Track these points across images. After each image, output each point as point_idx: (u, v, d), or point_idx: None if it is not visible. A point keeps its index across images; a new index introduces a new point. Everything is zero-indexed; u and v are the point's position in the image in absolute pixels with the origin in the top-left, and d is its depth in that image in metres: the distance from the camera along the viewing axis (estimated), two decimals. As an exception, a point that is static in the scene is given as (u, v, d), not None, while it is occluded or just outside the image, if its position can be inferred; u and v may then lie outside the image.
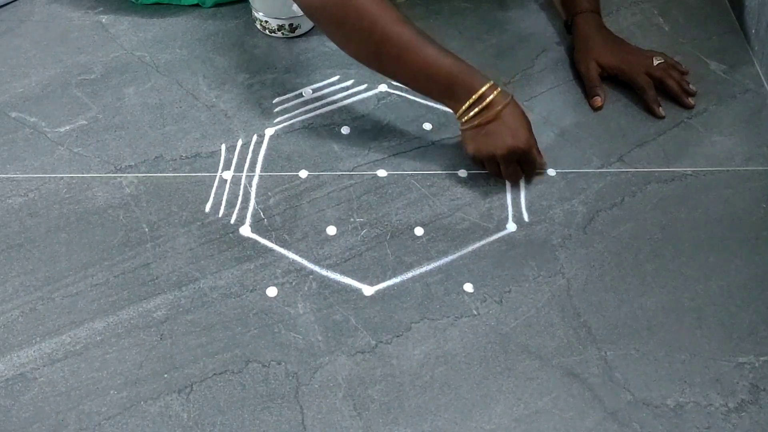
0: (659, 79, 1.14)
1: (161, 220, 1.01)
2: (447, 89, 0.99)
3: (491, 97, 0.98)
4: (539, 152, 1.04)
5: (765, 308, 0.93)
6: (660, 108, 1.13)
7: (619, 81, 1.16)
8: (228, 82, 1.19)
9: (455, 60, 0.98)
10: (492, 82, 0.99)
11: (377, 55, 0.99)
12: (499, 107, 0.98)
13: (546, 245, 0.99)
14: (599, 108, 1.15)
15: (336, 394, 0.86)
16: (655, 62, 1.15)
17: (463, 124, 1.01)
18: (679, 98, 1.14)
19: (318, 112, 1.15)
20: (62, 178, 1.06)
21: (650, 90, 1.14)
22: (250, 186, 1.05)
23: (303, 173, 1.07)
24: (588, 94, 1.16)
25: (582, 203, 1.03)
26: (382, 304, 0.94)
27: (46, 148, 1.10)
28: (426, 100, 1.16)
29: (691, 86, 1.16)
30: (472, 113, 0.99)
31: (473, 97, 0.98)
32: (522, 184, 1.05)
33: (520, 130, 1.00)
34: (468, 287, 0.95)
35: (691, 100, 1.14)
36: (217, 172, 1.07)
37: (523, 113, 1.01)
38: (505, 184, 1.05)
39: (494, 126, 0.99)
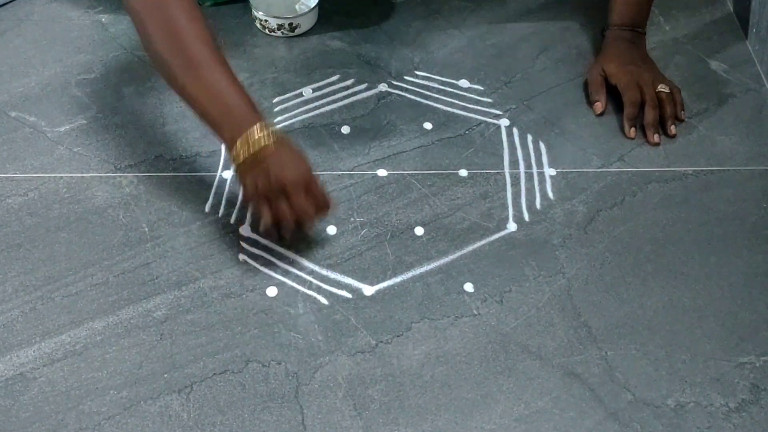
0: (644, 102, 1.11)
1: (161, 219, 1.01)
2: (223, 120, 0.91)
3: (261, 134, 0.89)
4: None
5: (765, 308, 0.93)
6: (632, 129, 1.10)
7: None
8: (228, 81, 1.19)
9: (239, 93, 0.91)
10: (263, 122, 0.90)
11: (166, 64, 0.92)
12: (271, 142, 0.90)
13: (546, 245, 0.99)
14: (600, 114, 1.13)
15: (336, 394, 0.86)
16: (659, 88, 1.12)
17: (236, 161, 0.91)
18: (646, 130, 1.10)
19: (318, 111, 1.15)
20: (62, 177, 1.06)
21: (631, 107, 1.11)
22: (250, 186, 1.05)
23: (303, 173, 1.07)
24: (589, 100, 1.15)
25: (582, 203, 1.03)
26: (382, 303, 0.94)
27: (46, 147, 1.10)
28: (425, 100, 1.16)
29: (672, 127, 1.10)
30: (245, 149, 0.90)
31: (243, 135, 0.89)
32: (522, 181, 1.05)
33: (302, 161, 0.92)
34: (468, 287, 0.95)
35: (656, 137, 1.09)
36: (217, 171, 1.07)
37: (298, 150, 0.94)
38: (505, 184, 1.05)
39: (273, 158, 0.90)
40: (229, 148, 0.92)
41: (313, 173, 0.93)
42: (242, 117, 0.91)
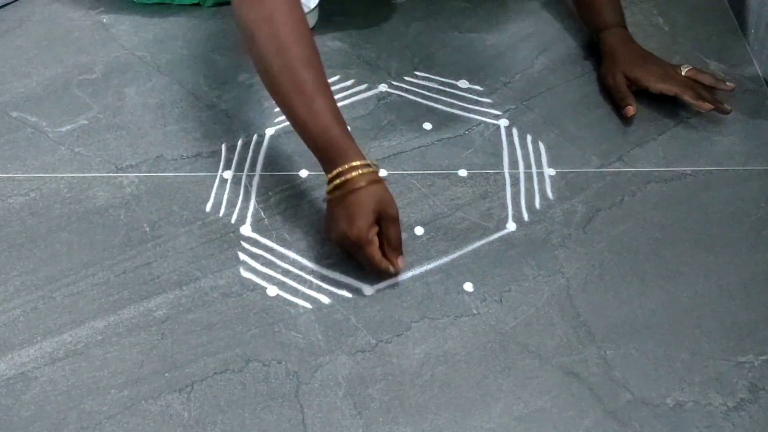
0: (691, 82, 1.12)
1: (162, 219, 1.02)
2: (322, 148, 0.93)
3: (355, 174, 0.91)
4: (377, 252, 0.93)
5: (765, 308, 0.93)
6: (706, 103, 1.09)
7: (649, 94, 1.13)
8: (228, 81, 1.19)
9: (340, 124, 0.93)
10: (365, 162, 0.92)
11: (274, 82, 0.93)
12: (352, 188, 0.91)
13: (546, 245, 0.99)
14: (632, 117, 1.12)
15: (336, 393, 0.86)
16: (683, 71, 1.13)
17: (328, 193, 0.94)
18: (715, 107, 1.10)
19: (318, 111, 1.15)
20: (63, 177, 1.06)
21: (689, 89, 1.10)
22: (251, 185, 1.06)
23: (303, 173, 1.07)
24: (620, 105, 1.13)
25: (582, 203, 1.04)
26: (382, 303, 0.94)
27: (47, 147, 1.10)
28: (425, 100, 1.16)
29: (728, 83, 1.12)
30: (334, 183, 0.92)
31: (344, 166, 0.91)
32: (522, 181, 1.05)
33: (356, 220, 0.91)
34: (468, 286, 0.95)
35: (726, 106, 1.10)
36: (217, 171, 1.07)
37: (376, 201, 0.91)
38: (505, 184, 1.06)
39: (340, 208, 0.92)
40: (327, 174, 0.93)
41: (358, 236, 0.90)
42: (342, 149, 0.92)
